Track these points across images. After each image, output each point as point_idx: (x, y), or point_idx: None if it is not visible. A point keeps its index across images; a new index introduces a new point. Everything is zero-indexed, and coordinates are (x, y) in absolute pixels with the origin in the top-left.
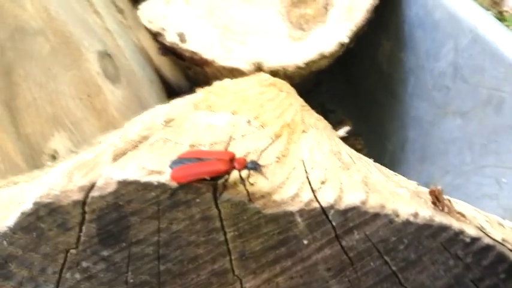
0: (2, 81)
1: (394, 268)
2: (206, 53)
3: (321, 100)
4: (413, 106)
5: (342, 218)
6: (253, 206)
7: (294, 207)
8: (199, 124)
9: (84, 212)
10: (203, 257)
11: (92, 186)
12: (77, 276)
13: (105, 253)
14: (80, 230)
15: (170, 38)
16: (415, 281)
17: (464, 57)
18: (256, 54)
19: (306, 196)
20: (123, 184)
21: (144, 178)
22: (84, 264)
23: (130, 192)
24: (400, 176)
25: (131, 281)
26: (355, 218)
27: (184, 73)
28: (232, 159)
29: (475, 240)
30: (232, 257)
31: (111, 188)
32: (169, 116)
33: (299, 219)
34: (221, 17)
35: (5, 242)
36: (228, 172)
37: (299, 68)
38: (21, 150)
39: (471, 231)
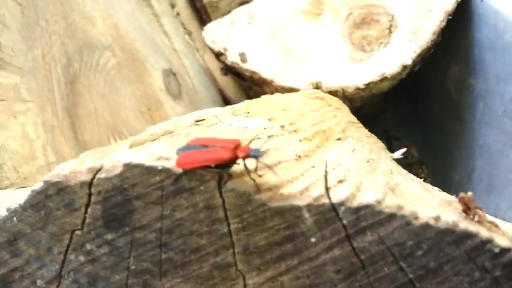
0: (66, 89)
1: (411, 276)
2: (265, 73)
3: (386, 127)
4: (481, 133)
5: (353, 216)
6: (259, 198)
7: (301, 202)
8: (230, 126)
9: (90, 193)
10: (206, 248)
11: (100, 168)
12: (81, 258)
13: (108, 236)
14: (86, 211)
15: (231, 58)
16: None
17: None
18: (315, 75)
19: (316, 191)
20: (129, 167)
21: (148, 162)
22: (88, 246)
23: (135, 176)
24: (443, 193)
25: (133, 267)
26: (368, 217)
27: (246, 94)
28: (237, 147)
29: (504, 251)
30: (236, 251)
31: (117, 170)
32: (202, 116)
33: (307, 215)
34: (282, 37)
35: (15, 219)
36: (232, 159)
37: (359, 89)
38: (77, 155)
39: (501, 241)
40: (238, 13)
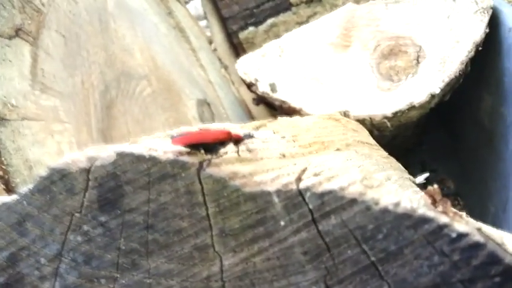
0: (102, 113)
1: (373, 259)
2: (294, 102)
3: (421, 159)
4: None
5: (318, 201)
6: (233, 184)
7: (271, 188)
8: None
9: (88, 179)
10: (187, 231)
11: (97, 157)
12: (79, 238)
13: (102, 219)
14: (84, 196)
15: (262, 88)
16: (396, 275)
17: None
18: (343, 104)
19: (286, 179)
20: (121, 155)
21: (138, 151)
22: (85, 227)
23: (126, 164)
24: None
25: (123, 247)
26: (332, 202)
27: None
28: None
29: (461, 236)
30: (213, 233)
31: (111, 158)
32: (208, 126)
33: (276, 200)
34: (311, 68)
35: (25, 202)
36: (227, 140)
37: (386, 118)
38: None
39: (459, 226)
40: (269, 46)
